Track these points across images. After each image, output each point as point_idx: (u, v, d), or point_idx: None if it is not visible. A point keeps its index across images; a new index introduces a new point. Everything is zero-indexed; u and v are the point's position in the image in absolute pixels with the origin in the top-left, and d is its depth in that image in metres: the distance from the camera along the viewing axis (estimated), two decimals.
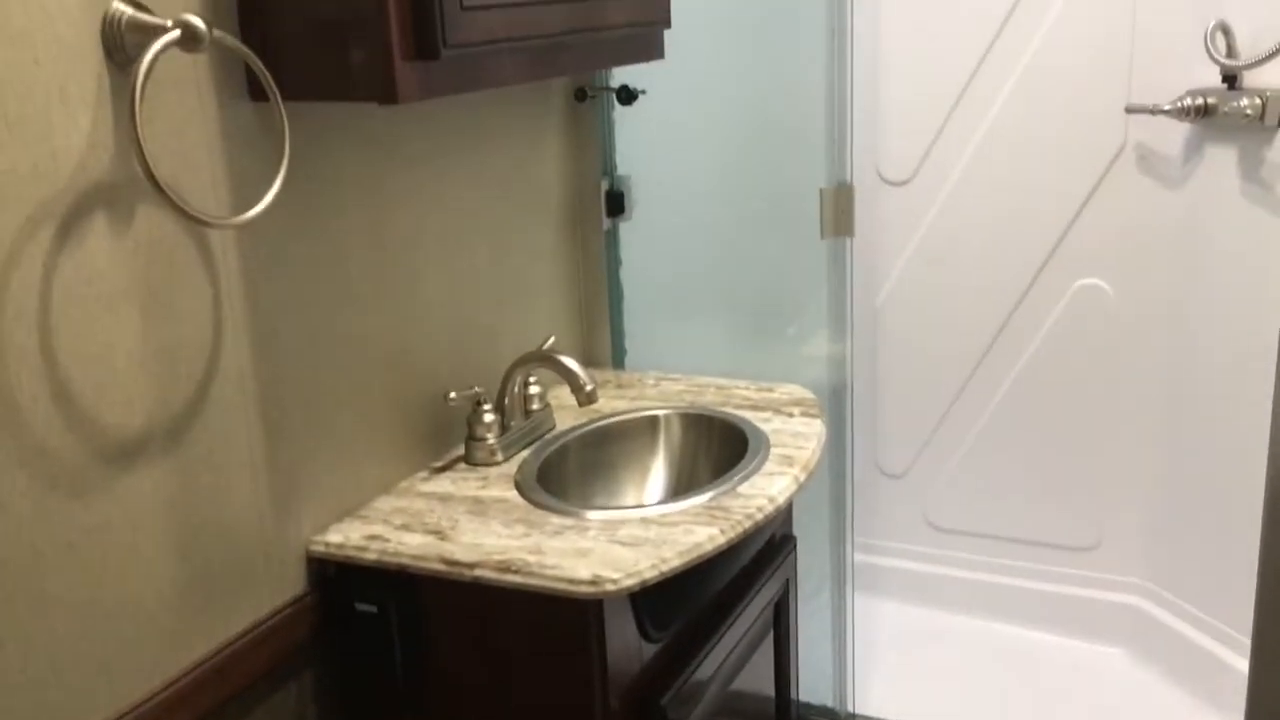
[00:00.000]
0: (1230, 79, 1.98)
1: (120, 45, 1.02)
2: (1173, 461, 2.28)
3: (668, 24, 1.64)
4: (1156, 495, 2.32)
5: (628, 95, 1.82)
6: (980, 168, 2.34)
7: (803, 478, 1.46)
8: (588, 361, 1.93)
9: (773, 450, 1.52)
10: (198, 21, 1.01)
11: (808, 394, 1.74)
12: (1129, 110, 2.12)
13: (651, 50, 1.64)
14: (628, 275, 1.93)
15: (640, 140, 1.90)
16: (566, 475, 1.58)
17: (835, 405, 1.97)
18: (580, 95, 1.82)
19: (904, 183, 2.43)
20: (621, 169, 1.91)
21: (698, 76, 1.88)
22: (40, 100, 0.97)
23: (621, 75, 1.84)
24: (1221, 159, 2.06)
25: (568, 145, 1.83)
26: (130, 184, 1.05)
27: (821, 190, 1.82)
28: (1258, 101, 1.92)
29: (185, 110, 1.11)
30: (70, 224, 1.00)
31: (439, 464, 1.53)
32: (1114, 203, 2.24)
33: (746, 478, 1.44)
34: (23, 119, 0.95)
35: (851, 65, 1.87)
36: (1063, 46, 2.21)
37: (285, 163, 1.11)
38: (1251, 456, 1.97)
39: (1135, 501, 2.35)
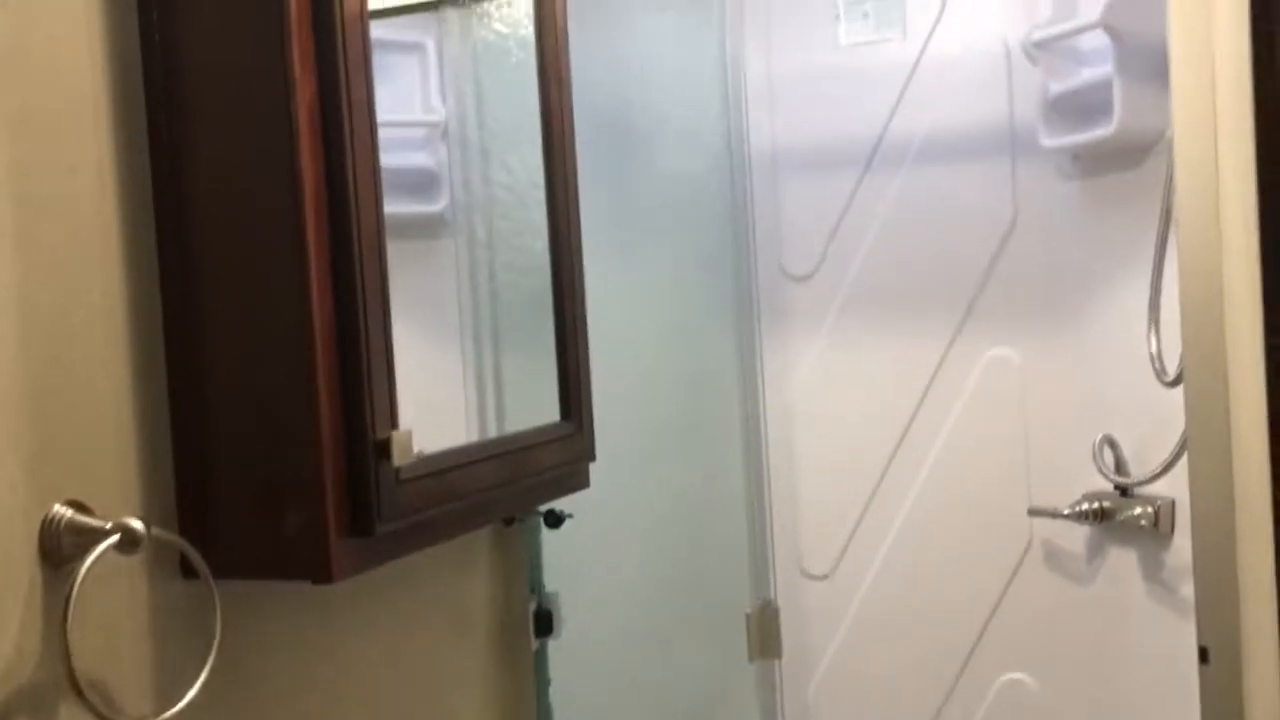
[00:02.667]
0: (1123, 488, 2.11)
1: (57, 546, 1.03)
2: None
3: (592, 458, 1.71)
4: None
5: (555, 519, 1.86)
6: (898, 563, 2.41)
7: None
8: None
9: None
10: (137, 525, 1.03)
11: None
12: (1031, 514, 2.23)
13: (578, 483, 1.70)
14: (557, 695, 1.90)
15: (568, 557, 1.93)
16: None
17: None
18: (508, 520, 1.86)
19: (825, 576, 2.48)
20: (550, 586, 1.92)
21: (623, 496, 1.94)
22: None
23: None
24: (1124, 560, 2.16)
25: (495, 568, 1.85)
26: (55, 685, 1.03)
27: (747, 615, 1.85)
28: (1150, 510, 2.04)
29: (115, 601, 1.11)
30: None
31: None
32: (1028, 598, 2.31)
33: None
34: None
35: (769, 481, 1.96)
36: (962, 450, 2.35)
37: (214, 653, 1.10)
38: None
39: None
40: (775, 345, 2.46)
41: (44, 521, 1.03)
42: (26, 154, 1.03)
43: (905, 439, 2.40)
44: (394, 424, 1.20)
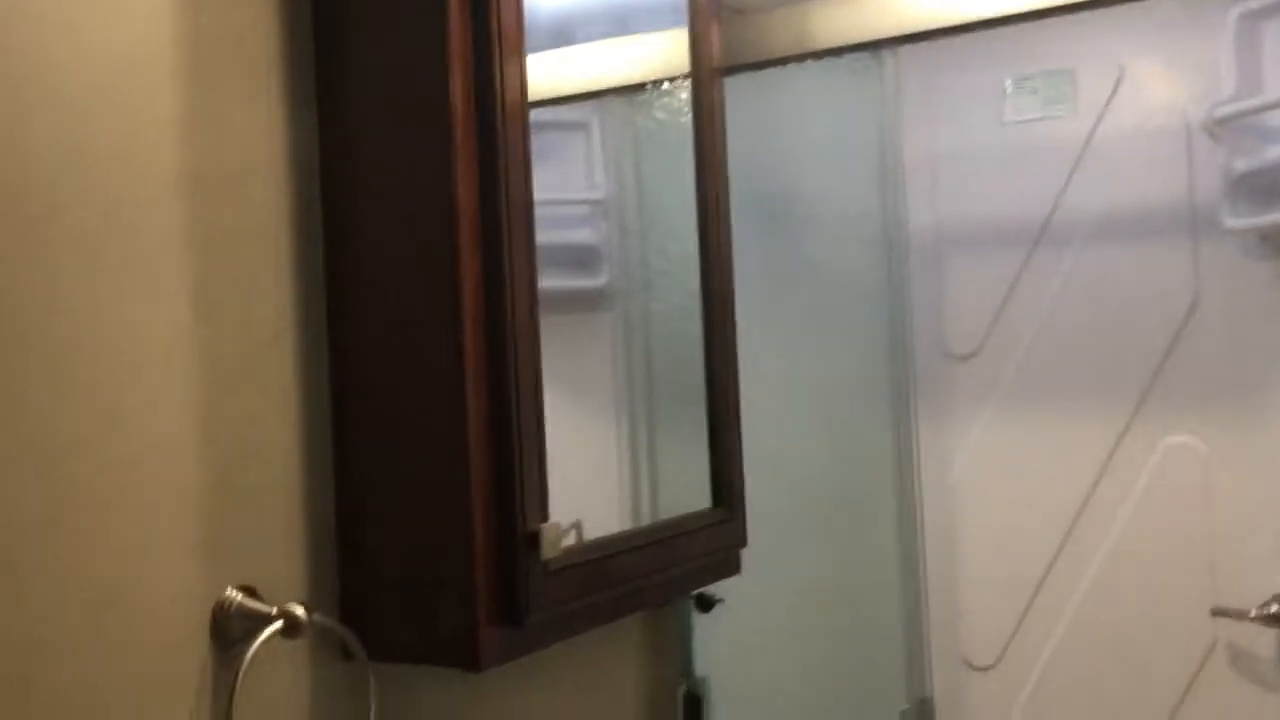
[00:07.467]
0: None
1: (227, 629, 1.09)
2: None
3: (744, 544, 1.70)
4: None
5: (705, 604, 1.85)
6: (1066, 659, 2.30)
7: None
8: None
9: None
10: (300, 612, 1.08)
11: None
12: (1215, 614, 2.10)
13: (729, 569, 1.69)
14: None
15: (719, 642, 1.91)
16: None
17: None
18: (660, 603, 1.86)
19: (988, 668, 2.38)
20: (700, 670, 1.91)
21: (774, 581, 1.92)
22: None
23: None
24: None
25: (645, 651, 1.84)
26: None
27: (902, 712, 1.79)
28: None
29: (278, 682, 1.16)
30: None
31: None
32: (1210, 705, 2.16)
33: None
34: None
35: (925, 568, 1.91)
36: (1139, 542, 2.23)
37: None
38: None
39: None
40: (934, 426, 2.39)
41: (217, 604, 1.10)
42: (211, 269, 1.11)
43: (1075, 527, 2.29)
44: (544, 516, 1.22)
